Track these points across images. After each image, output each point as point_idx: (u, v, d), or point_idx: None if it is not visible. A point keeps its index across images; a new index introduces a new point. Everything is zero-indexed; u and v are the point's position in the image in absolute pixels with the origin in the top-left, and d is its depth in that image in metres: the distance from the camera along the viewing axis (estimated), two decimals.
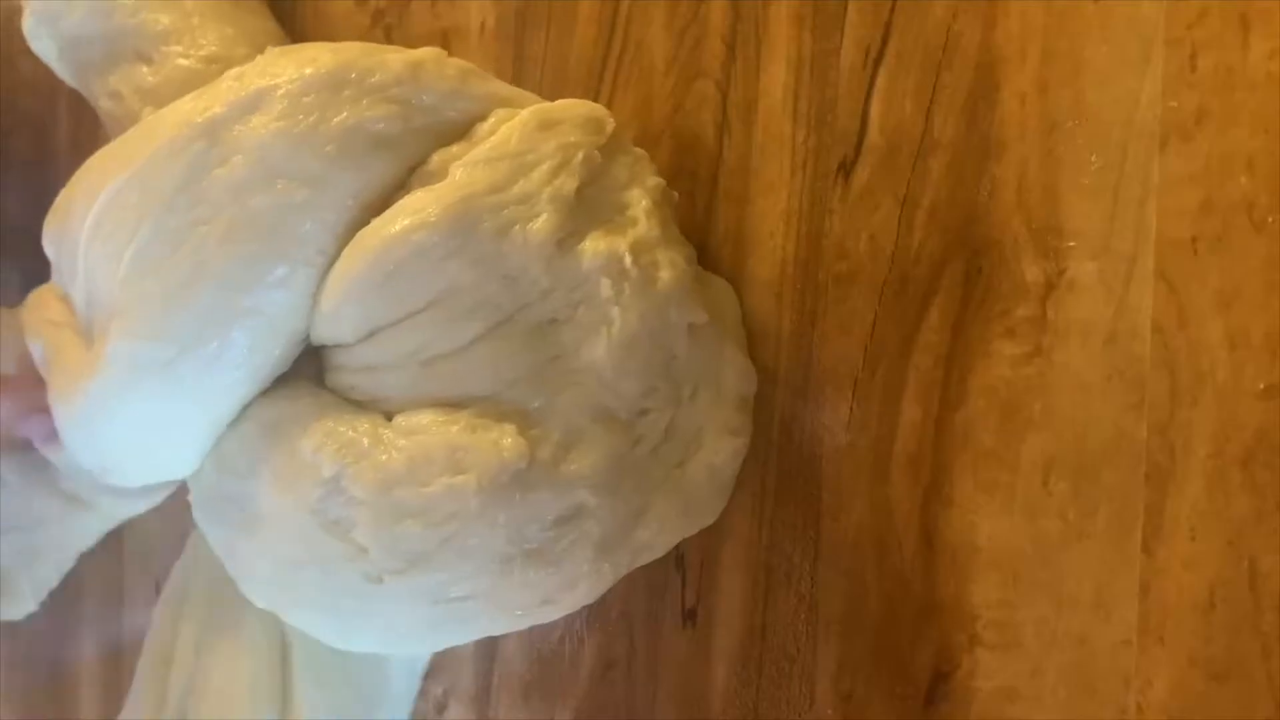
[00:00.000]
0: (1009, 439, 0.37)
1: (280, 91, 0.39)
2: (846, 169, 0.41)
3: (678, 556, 0.45)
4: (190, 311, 0.40)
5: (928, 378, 0.39)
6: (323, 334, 0.41)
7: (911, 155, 0.39)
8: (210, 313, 0.40)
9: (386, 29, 0.55)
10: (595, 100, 0.47)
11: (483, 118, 0.41)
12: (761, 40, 0.43)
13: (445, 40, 0.53)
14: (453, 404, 0.40)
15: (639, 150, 0.42)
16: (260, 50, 0.44)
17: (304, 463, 0.40)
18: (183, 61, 0.52)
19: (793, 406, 0.42)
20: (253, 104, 0.40)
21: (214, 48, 0.52)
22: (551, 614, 0.42)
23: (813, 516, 0.41)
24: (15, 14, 0.55)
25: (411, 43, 0.53)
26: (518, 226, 0.39)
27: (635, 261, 0.39)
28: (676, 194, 0.43)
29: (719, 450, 0.42)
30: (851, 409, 0.41)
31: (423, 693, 0.55)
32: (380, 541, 0.39)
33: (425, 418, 0.39)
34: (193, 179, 0.40)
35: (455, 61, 0.41)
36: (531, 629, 0.50)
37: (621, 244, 0.39)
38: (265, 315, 0.40)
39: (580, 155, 0.39)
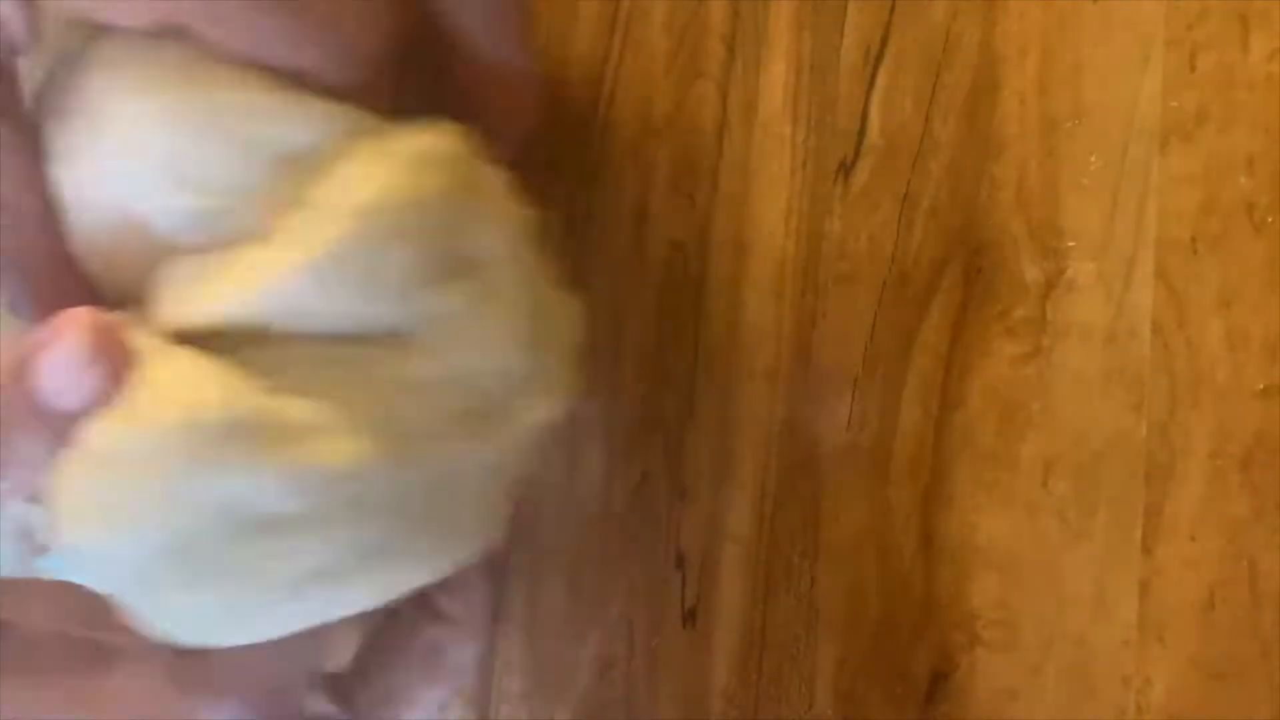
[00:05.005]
0: (1008, 439, 0.37)
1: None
2: (846, 169, 0.41)
3: (678, 556, 0.45)
4: None
5: (928, 378, 0.39)
6: None
7: (911, 155, 0.39)
8: None
9: None
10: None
11: None
12: (761, 40, 0.43)
13: None
14: None
15: None
16: None
17: None
18: None
19: (792, 406, 0.42)
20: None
21: None
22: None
23: (812, 517, 0.41)
24: None
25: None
26: None
27: None
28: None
29: None
30: (851, 409, 0.41)
31: None
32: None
33: None
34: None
35: None
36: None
37: None
38: None
39: None
